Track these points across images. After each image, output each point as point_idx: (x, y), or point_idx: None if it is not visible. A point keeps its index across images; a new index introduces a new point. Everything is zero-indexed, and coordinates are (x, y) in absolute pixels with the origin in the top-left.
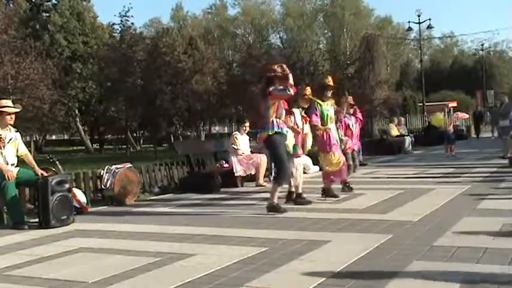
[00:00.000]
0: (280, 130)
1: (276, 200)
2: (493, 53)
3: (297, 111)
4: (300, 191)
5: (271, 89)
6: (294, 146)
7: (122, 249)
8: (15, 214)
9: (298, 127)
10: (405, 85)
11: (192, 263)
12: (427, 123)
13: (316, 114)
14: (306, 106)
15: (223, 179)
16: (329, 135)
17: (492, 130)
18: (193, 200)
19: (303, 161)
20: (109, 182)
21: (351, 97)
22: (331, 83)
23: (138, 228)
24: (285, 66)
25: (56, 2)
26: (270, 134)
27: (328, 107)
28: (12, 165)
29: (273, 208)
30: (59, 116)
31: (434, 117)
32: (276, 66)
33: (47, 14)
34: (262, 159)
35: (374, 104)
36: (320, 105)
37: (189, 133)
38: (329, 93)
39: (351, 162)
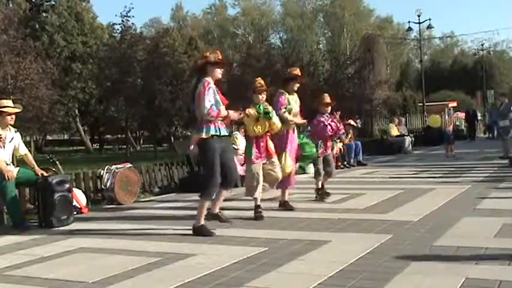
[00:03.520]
0: (217, 132)
1: (202, 221)
2: (493, 53)
3: (255, 108)
4: (259, 202)
5: (202, 84)
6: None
7: (122, 249)
8: (15, 214)
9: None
10: (405, 85)
11: (192, 263)
12: (426, 124)
13: (283, 104)
14: (263, 100)
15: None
16: (288, 134)
17: (490, 130)
18: (193, 200)
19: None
20: (109, 182)
21: (327, 94)
22: (299, 74)
23: (138, 228)
24: (218, 53)
25: (53, 3)
26: (205, 137)
27: (293, 102)
28: (11, 164)
29: (198, 231)
30: (59, 116)
31: (431, 118)
32: (208, 53)
33: (46, 15)
34: None
35: (374, 104)
36: (285, 97)
37: (189, 133)
38: (295, 86)
39: (319, 166)
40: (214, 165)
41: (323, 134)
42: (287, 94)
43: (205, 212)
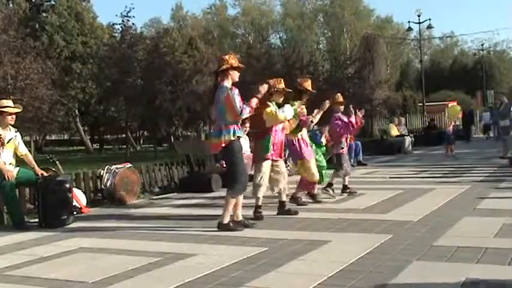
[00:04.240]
0: (240, 134)
1: (228, 218)
2: (493, 53)
3: (273, 105)
4: (260, 202)
5: (229, 89)
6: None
7: (122, 249)
8: (15, 214)
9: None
10: (405, 85)
11: (192, 263)
12: (427, 123)
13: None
14: (281, 101)
15: (223, 179)
16: (303, 140)
17: (486, 130)
18: (193, 200)
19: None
20: (109, 182)
21: (339, 94)
22: (310, 89)
23: (138, 228)
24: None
25: (53, 3)
26: (233, 139)
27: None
28: (10, 164)
29: (225, 227)
30: (59, 116)
31: (451, 108)
32: (228, 57)
33: (46, 15)
34: None
35: (374, 104)
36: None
37: (189, 133)
38: (305, 98)
39: (345, 164)
40: (242, 165)
41: (349, 131)
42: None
43: (231, 209)
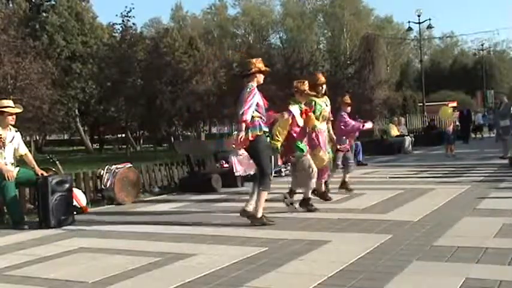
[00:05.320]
0: (266, 129)
1: (261, 212)
2: (493, 53)
3: (295, 107)
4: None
5: (251, 88)
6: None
7: (122, 249)
8: (15, 214)
9: (298, 126)
10: (405, 85)
11: (192, 263)
12: (427, 123)
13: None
14: (304, 102)
15: (223, 179)
16: (317, 135)
17: (476, 130)
18: (193, 200)
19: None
20: (109, 182)
21: (348, 96)
22: (323, 80)
23: (138, 228)
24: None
25: (53, 3)
26: (259, 134)
27: (323, 104)
28: (11, 165)
29: (259, 221)
30: (59, 116)
31: (442, 110)
32: (255, 60)
33: (46, 15)
34: None
35: (374, 104)
36: (315, 102)
37: (189, 133)
38: (323, 90)
39: (339, 162)
40: (268, 158)
41: (356, 130)
42: (316, 99)
43: (264, 202)
